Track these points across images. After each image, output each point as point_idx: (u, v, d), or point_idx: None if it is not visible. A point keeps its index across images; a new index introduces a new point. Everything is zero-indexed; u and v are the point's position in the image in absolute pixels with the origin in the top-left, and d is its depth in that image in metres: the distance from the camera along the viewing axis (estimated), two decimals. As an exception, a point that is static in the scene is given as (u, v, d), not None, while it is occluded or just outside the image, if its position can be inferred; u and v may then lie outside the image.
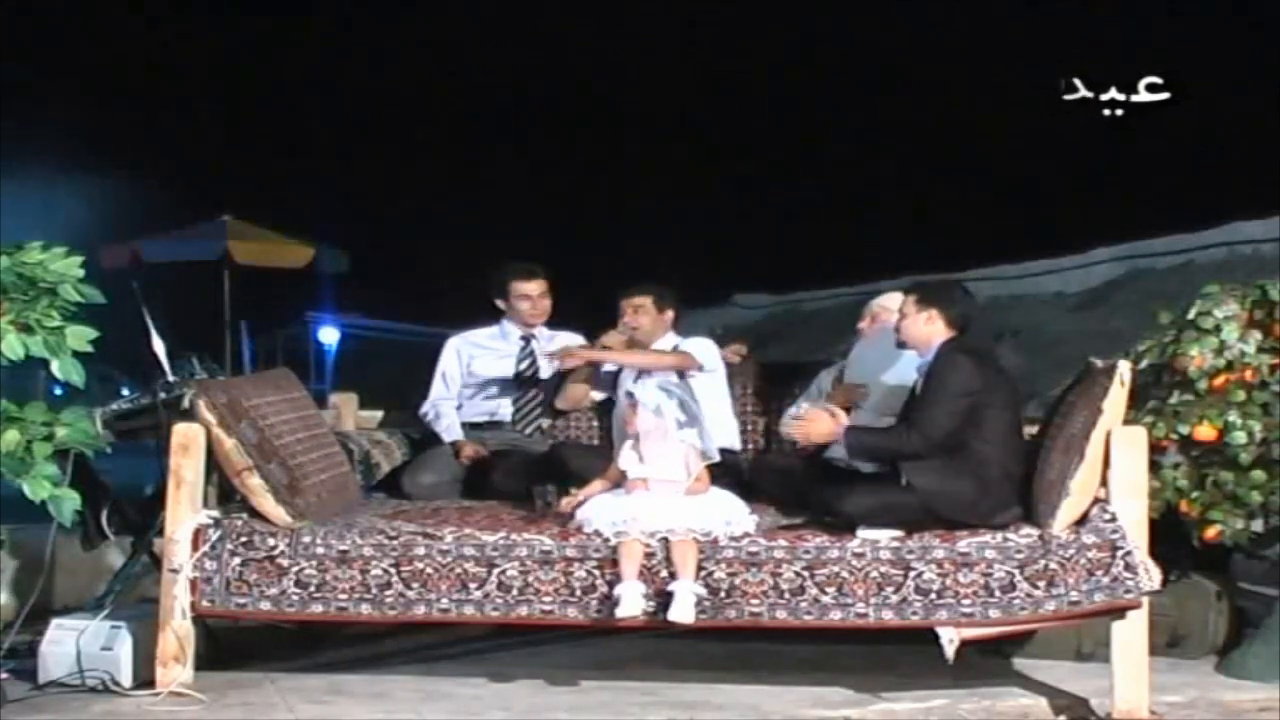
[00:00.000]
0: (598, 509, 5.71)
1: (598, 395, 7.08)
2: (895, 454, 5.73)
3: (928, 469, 5.62)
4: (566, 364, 6.99)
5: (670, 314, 7.03)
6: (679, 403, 5.87)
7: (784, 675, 5.90)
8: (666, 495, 5.71)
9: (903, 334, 5.98)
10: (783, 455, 6.87)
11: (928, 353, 5.86)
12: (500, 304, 7.29)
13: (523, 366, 7.24)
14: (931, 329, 5.86)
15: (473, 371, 7.24)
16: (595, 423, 7.18)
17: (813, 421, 5.90)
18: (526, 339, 7.28)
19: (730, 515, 5.70)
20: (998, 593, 5.45)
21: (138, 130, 21.00)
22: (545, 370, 7.22)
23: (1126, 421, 5.59)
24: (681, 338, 7.04)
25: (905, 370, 6.18)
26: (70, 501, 5.16)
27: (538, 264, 7.36)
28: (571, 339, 7.29)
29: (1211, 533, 5.91)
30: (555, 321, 7.36)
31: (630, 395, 5.98)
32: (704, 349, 6.96)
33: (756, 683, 5.83)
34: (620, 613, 5.48)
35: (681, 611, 5.45)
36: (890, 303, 6.75)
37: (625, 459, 5.84)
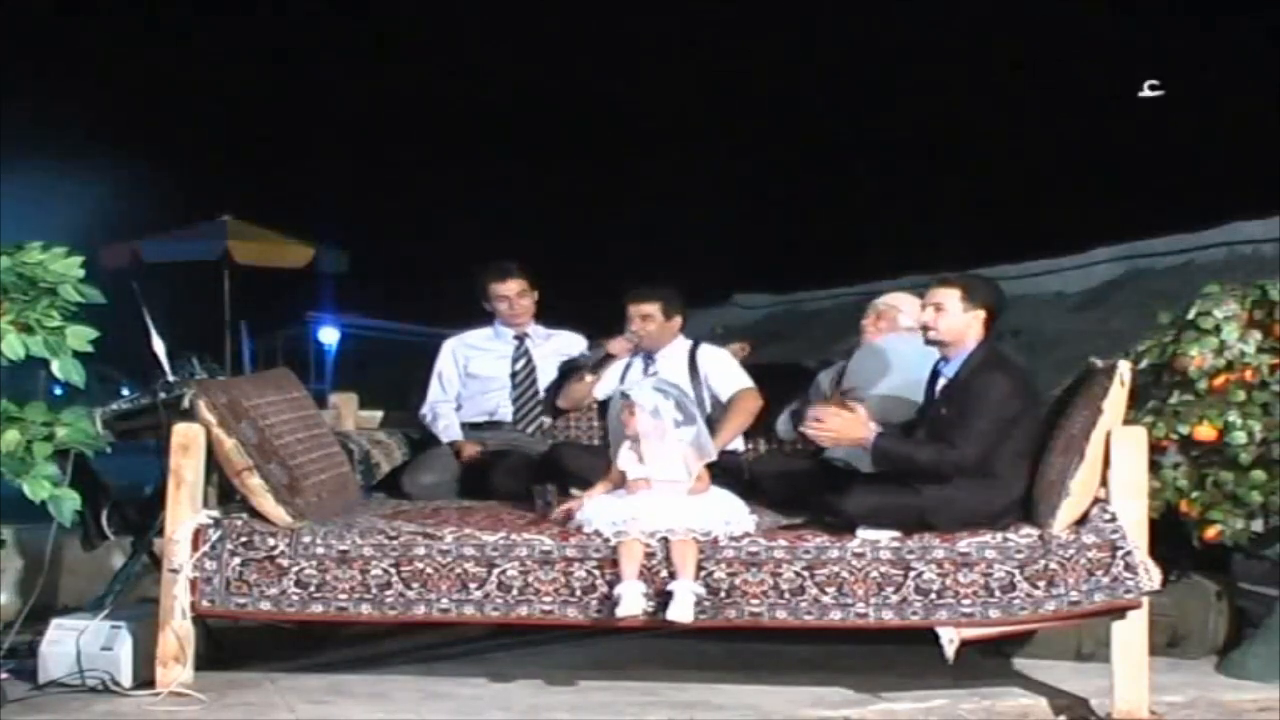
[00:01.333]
0: (598, 509, 5.71)
1: (600, 394, 7.07)
2: (929, 471, 5.54)
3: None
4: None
5: (678, 320, 6.99)
6: (675, 402, 5.87)
7: (784, 675, 5.90)
8: (668, 495, 5.71)
9: (939, 330, 5.69)
10: (783, 455, 6.87)
11: (958, 353, 5.68)
12: (487, 307, 7.30)
13: (519, 366, 7.24)
14: (975, 328, 5.68)
15: (470, 372, 7.24)
16: (595, 423, 7.17)
17: (846, 425, 5.65)
18: (520, 338, 7.27)
19: (730, 515, 5.69)
20: (998, 593, 5.45)
21: (138, 130, 21.00)
22: (543, 369, 7.22)
23: (1126, 421, 5.58)
24: (689, 341, 7.02)
25: (905, 379, 6.13)
26: (70, 501, 5.16)
27: (513, 263, 7.33)
28: (570, 339, 7.30)
29: (1211, 533, 5.91)
30: (554, 320, 7.35)
31: (626, 396, 5.97)
32: (720, 356, 6.96)
33: (756, 683, 5.83)
34: (620, 612, 5.47)
35: (681, 611, 5.45)
36: (896, 301, 6.70)
37: (624, 460, 5.84)
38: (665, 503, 5.65)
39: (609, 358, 7.01)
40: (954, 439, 5.53)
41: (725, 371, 6.91)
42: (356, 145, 23.52)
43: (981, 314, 5.69)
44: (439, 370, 7.27)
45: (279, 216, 15.91)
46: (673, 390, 5.97)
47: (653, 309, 6.92)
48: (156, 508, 5.91)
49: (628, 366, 6.97)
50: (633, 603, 5.47)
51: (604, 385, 7.03)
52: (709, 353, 6.97)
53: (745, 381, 6.89)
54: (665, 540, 5.56)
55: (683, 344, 7.00)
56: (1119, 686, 5.44)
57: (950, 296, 5.69)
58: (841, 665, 5.96)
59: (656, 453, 5.78)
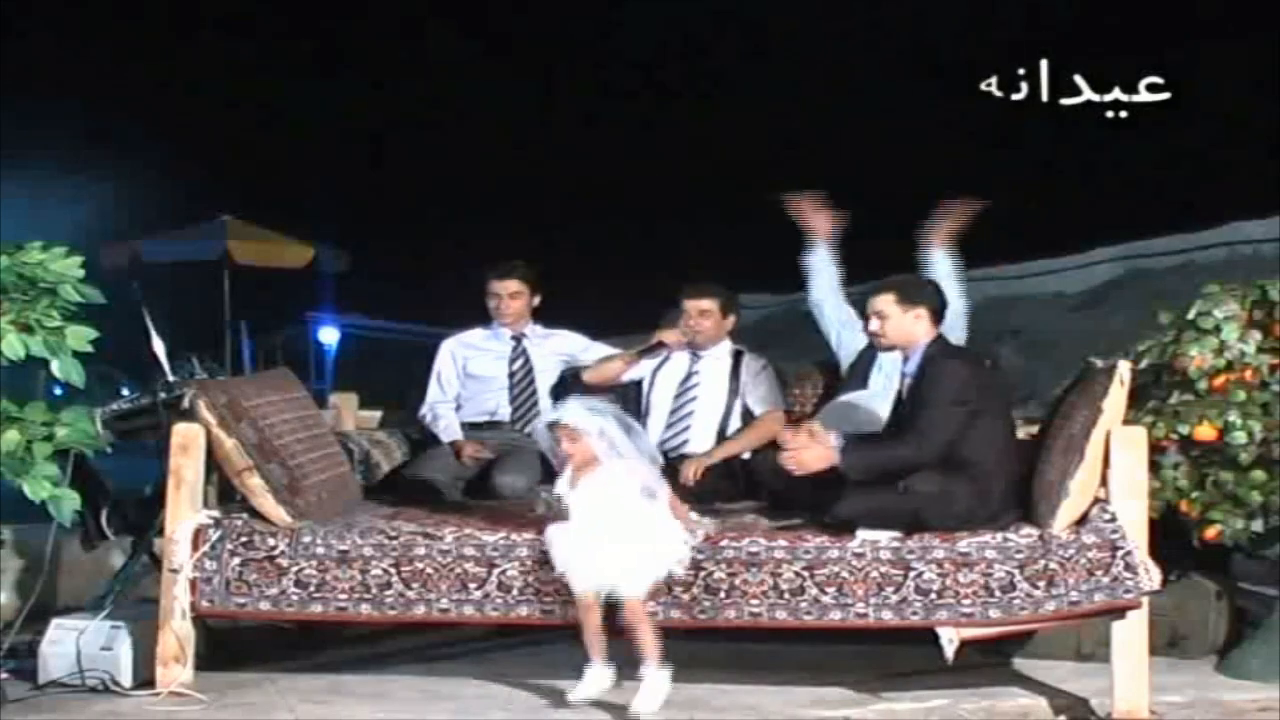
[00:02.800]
0: (567, 550, 5.57)
1: (633, 375, 6.99)
2: (899, 466, 5.62)
3: (928, 477, 5.58)
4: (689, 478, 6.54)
5: (732, 320, 6.97)
6: (613, 418, 5.69)
7: (784, 675, 5.90)
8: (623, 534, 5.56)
9: (888, 336, 5.87)
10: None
11: (914, 351, 5.80)
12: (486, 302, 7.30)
13: (516, 366, 7.22)
14: (920, 326, 5.80)
15: (469, 372, 7.23)
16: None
17: (804, 450, 5.72)
18: (518, 338, 7.25)
19: (672, 547, 5.56)
20: (998, 593, 5.46)
21: (138, 130, 21.00)
22: (541, 370, 7.20)
23: (1126, 421, 5.59)
24: (733, 345, 6.98)
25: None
26: (70, 501, 5.17)
27: (518, 263, 7.28)
28: (569, 339, 7.28)
29: (1211, 533, 5.91)
30: (553, 321, 7.34)
31: (565, 424, 5.68)
32: (761, 371, 6.94)
33: (756, 683, 5.83)
34: (573, 697, 5.45)
35: (646, 703, 5.36)
36: None
37: (566, 491, 5.68)
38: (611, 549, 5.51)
39: (659, 345, 6.94)
40: (915, 429, 5.62)
41: (763, 388, 6.89)
42: (356, 145, 23.52)
43: (921, 311, 5.81)
44: (437, 370, 7.26)
45: (279, 216, 15.90)
46: (605, 407, 5.79)
47: (711, 305, 6.89)
48: (156, 508, 5.91)
49: (665, 360, 6.90)
50: (589, 688, 5.44)
51: (636, 372, 6.94)
52: (752, 364, 6.94)
53: (777, 403, 6.87)
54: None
55: (727, 347, 6.96)
56: (1119, 686, 5.44)
57: (887, 302, 5.86)
58: (841, 665, 5.96)
59: (624, 469, 5.62)
